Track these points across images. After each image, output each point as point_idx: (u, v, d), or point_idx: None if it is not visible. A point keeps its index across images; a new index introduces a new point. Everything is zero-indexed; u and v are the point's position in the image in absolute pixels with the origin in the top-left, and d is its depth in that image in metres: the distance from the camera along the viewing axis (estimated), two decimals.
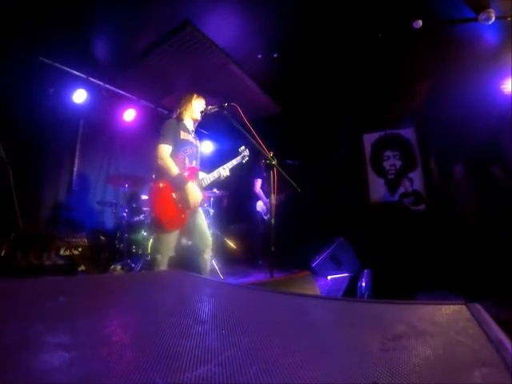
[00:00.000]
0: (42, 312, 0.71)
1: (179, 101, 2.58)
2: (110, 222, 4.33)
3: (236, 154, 2.72)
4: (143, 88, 4.48)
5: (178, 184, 2.27)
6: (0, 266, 2.13)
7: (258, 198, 4.60)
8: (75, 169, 4.03)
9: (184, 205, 2.30)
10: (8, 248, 2.22)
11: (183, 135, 2.43)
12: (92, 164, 4.27)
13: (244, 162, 2.71)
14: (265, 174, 4.38)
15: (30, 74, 3.36)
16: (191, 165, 2.46)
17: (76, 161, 4.05)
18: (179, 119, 2.51)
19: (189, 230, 2.42)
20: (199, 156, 2.63)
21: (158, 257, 2.24)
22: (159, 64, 3.85)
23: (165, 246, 2.26)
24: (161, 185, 2.29)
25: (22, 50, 3.17)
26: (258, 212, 4.57)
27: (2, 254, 2.18)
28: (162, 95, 4.72)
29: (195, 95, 2.55)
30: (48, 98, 3.59)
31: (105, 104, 4.26)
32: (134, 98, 4.63)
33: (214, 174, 2.53)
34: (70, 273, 2.43)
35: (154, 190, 2.35)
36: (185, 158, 2.41)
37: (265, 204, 4.52)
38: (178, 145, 2.38)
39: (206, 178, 2.51)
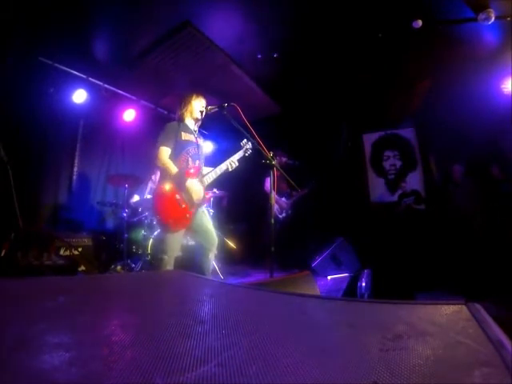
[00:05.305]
0: (42, 312, 0.71)
1: (179, 102, 2.57)
2: (110, 222, 4.33)
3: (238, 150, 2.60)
4: (143, 88, 4.48)
5: (179, 181, 2.29)
6: (0, 266, 2.12)
7: (267, 197, 4.53)
8: (75, 169, 4.03)
9: (188, 204, 2.31)
10: (8, 248, 2.22)
11: (185, 136, 2.44)
12: (92, 164, 4.27)
13: (247, 155, 2.58)
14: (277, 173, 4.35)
15: (30, 74, 3.36)
16: (195, 164, 2.46)
17: (76, 161, 4.05)
18: (180, 120, 2.52)
19: (194, 229, 2.42)
20: (203, 155, 2.61)
21: (165, 257, 2.25)
22: (159, 64, 3.84)
23: (171, 246, 2.28)
24: (165, 187, 2.31)
25: (21, 50, 3.17)
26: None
27: (2, 254, 2.18)
28: (161, 95, 4.72)
29: (194, 95, 2.55)
30: (48, 98, 3.58)
31: (105, 104, 4.26)
32: (134, 98, 4.63)
33: (217, 171, 2.48)
34: (70, 273, 2.42)
35: (158, 192, 2.37)
36: (188, 159, 2.41)
37: (276, 202, 4.47)
38: (180, 146, 2.40)
39: (209, 175, 2.47)
